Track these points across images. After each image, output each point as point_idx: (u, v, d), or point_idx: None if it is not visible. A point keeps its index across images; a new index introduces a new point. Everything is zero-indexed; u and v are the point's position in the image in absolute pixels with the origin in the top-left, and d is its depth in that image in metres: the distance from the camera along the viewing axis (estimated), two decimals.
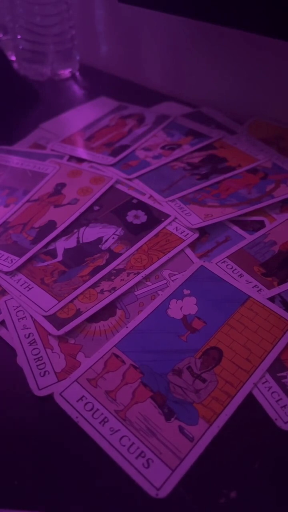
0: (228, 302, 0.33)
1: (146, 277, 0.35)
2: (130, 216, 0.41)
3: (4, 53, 0.60)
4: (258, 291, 0.34)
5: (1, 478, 0.25)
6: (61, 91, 0.65)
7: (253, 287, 0.34)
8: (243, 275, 0.35)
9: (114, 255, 0.37)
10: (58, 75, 0.67)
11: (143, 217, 0.41)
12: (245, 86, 0.55)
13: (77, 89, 0.66)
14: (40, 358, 0.30)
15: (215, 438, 0.26)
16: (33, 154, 0.50)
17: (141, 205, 0.42)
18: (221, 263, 0.36)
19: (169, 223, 0.40)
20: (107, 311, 0.33)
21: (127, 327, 0.32)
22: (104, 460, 0.25)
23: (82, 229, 0.40)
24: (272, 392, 0.28)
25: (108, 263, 0.36)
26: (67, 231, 0.40)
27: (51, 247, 0.38)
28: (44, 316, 0.32)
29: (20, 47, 0.64)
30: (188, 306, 0.33)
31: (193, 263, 0.36)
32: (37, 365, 0.29)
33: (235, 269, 0.36)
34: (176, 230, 0.39)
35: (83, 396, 0.28)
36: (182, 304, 0.33)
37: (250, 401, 0.27)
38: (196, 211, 0.41)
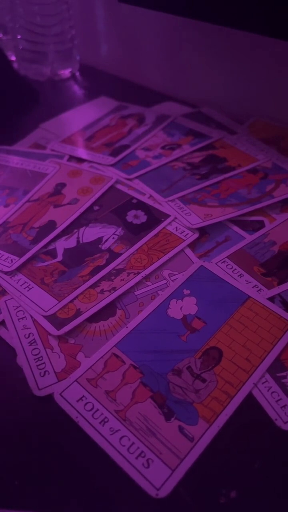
0: (228, 302, 0.33)
1: (146, 277, 0.35)
2: (130, 216, 0.41)
3: (4, 53, 0.60)
4: (258, 291, 0.34)
5: (2, 478, 0.25)
6: (61, 91, 0.65)
7: (253, 287, 0.34)
8: (243, 275, 0.35)
9: (114, 255, 0.37)
10: (58, 75, 0.67)
11: (143, 217, 0.41)
12: (245, 86, 0.55)
13: (77, 89, 0.66)
14: (40, 358, 0.30)
15: (215, 438, 0.26)
16: (33, 154, 0.50)
17: (141, 205, 0.42)
18: (221, 263, 0.36)
19: (169, 223, 0.40)
20: (107, 311, 0.33)
21: (127, 327, 0.32)
22: (104, 460, 0.25)
23: (82, 229, 0.40)
24: (272, 392, 0.28)
25: (108, 263, 0.36)
26: (67, 231, 0.40)
27: (51, 247, 0.38)
28: (44, 316, 0.32)
29: (20, 47, 0.64)
30: (188, 306, 0.33)
31: (193, 263, 0.36)
32: (37, 365, 0.29)
33: (235, 269, 0.36)
34: (176, 230, 0.39)
35: (83, 396, 0.28)
36: (182, 304, 0.33)
37: (250, 401, 0.27)
38: (196, 211, 0.41)
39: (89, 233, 0.39)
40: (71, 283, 0.35)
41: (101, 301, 0.33)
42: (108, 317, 0.33)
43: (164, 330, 0.31)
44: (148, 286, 0.35)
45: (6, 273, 0.36)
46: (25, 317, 0.33)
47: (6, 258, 0.37)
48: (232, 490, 0.24)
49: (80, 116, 0.58)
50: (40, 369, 0.29)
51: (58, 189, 0.44)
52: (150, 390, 0.28)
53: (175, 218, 0.40)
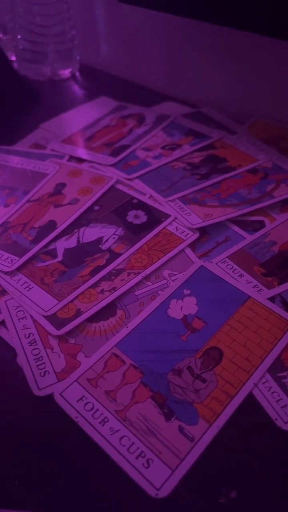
0: (228, 302, 0.33)
1: (146, 277, 0.35)
2: (130, 216, 0.41)
3: (4, 53, 0.60)
4: (258, 291, 0.34)
5: (2, 478, 0.25)
6: (61, 91, 0.65)
7: (253, 287, 0.34)
8: (243, 275, 0.35)
9: (114, 255, 0.37)
10: (58, 75, 0.67)
11: (143, 217, 0.41)
12: (245, 86, 0.55)
13: (77, 89, 0.66)
14: (40, 358, 0.30)
15: (215, 438, 0.26)
16: (33, 154, 0.50)
17: (141, 205, 0.42)
18: (221, 263, 0.36)
19: (169, 223, 0.40)
20: (107, 311, 0.33)
21: (127, 327, 0.32)
22: (104, 460, 0.25)
23: (82, 229, 0.40)
24: (272, 392, 0.28)
25: (108, 263, 0.36)
26: (67, 231, 0.40)
27: (51, 247, 0.38)
28: (44, 316, 0.32)
29: (20, 47, 0.64)
30: (188, 306, 0.33)
31: (193, 263, 0.36)
32: (37, 365, 0.29)
33: (235, 269, 0.36)
34: (176, 230, 0.39)
35: (83, 396, 0.28)
36: (182, 304, 0.33)
37: (250, 401, 0.27)
38: (196, 211, 0.41)
39: (89, 233, 0.39)
40: (71, 283, 0.35)
41: (101, 301, 0.33)
42: (108, 317, 0.33)
43: (164, 330, 0.31)
44: (148, 286, 0.35)
45: (6, 273, 0.36)
46: (25, 317, 0.33)
47: (6, 258, 0.37)
48: (232, 490, 0.24)
49: (80, 116, 0.58)
50: (40, 369, 0.29)
51: (58, 189, 0.44)
52: (150, 390, 0.28)
53: (175, 218, 0.40)
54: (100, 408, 0.27)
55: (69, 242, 0.39)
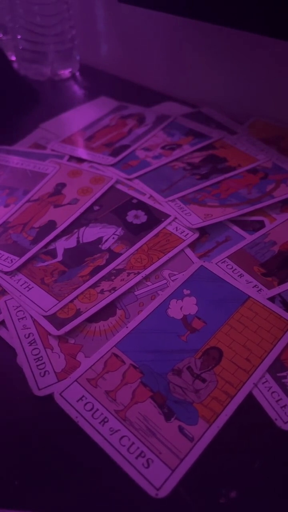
0: (228, 302, 0.33)
1: (146, 277, 0.35)
2: (130, 216, 0.41)
3: (4, 53, 0.60)
4: (258, 291, 0.34)
5: (2, 478, 0.25)
6: (61, 91, 0.65)
7: (253, 287, 0.34)
8: (243, 275, 0.35)
9: (114, 255, 0.37)
10: (58, 75, 0.67)
11: (143, 217, 0.41)
12: (245, 86, 0.55)
13: (77, 89, 0.66)
14: (40, 358, 0.30)
15: (215, 438, 0.26)
16: (33, 154, 0.50)
17: (141, 205, 0.42)
18: (221, 263, 0.36)
19: (169, 223, 0.40)
20: (107, 311, 0.33)
21: (127, 327, 0.32)
22: (104, 460, 0.25)
23: (82, 229, 0.40)
24: (272, 392, 0.28)
25: (108, 263, 0.36)
26: (67, 231, 0.40)
27: (51, 247, 0.38)
28: (44, 316, 0.32)
29: (20, 47, 0.64)
30: (188, 306, 0.33)
31: (193, 263, 0.36)
32: (37, 365, 0.29)
33: (235, 269, 0.36)
34: (176, 230, 0.39)
35: (83, 396, 0.28)
36: (182, 304, 0.33)
37: (250, 401, 0.27)
38: (196, 211, 0.41)
39: (89, 233, 0.39)
40: (71, 283, 0.35)
41: (101, 301, 0.33)
42: (108, 317, 0.33)
43: (164, 330, 0.31)
44: (148, 286, 0.35)
45: (6, 273, 0.36)
46: (25, 317, 0.33)
47: (6, 258, 0.37)
48: (232, 490, 0.24)
49: (80, 116, 0.58)
50: (40, 369, 0.29)
51: (58, 189, 0.44)
52: (150, 390, 0.28)
53: (175, 218, 0.40)
54: (100, 408, 0.27)
55: (69, 242, 0.39)
